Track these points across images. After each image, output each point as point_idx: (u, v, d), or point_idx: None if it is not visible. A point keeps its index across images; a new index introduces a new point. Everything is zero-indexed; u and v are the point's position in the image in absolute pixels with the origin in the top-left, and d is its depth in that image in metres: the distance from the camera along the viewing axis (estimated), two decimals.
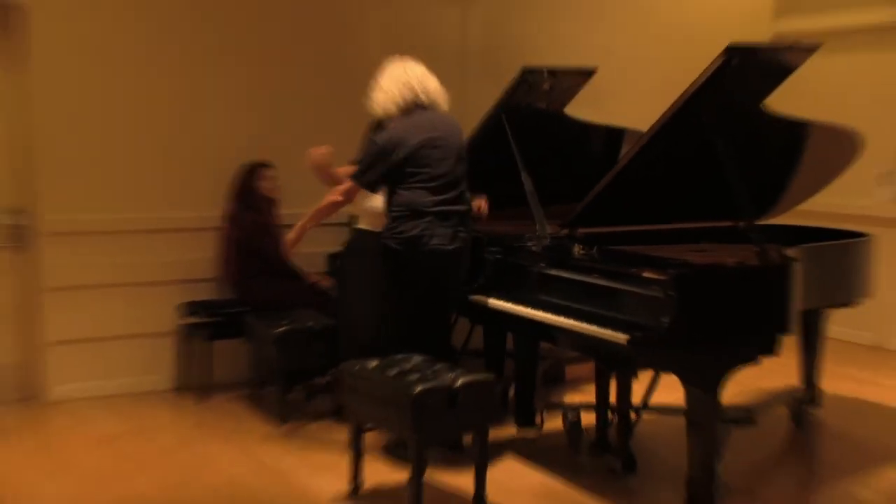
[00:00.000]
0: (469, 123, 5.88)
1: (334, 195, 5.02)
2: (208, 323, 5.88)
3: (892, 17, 6.96)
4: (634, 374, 4.79)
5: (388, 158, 4.78)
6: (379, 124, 4.97)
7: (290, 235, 5.20)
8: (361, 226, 5.28)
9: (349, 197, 5.00)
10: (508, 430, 5.35)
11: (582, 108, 6.12)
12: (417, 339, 4.87)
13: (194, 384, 5.98)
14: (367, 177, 4.85)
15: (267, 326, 5.49)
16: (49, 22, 5.72)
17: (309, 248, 6.12)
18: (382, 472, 4.69)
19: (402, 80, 4.86)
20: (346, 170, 5.09)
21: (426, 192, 4.82)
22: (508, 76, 5.76)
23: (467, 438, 4.60)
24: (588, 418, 5.13)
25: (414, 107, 4.86)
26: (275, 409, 5.57)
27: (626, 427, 4.81)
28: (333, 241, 5.80)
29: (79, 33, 5.81)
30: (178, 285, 6.11)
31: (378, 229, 4.94)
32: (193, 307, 5.98)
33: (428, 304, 4.97)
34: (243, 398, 5.93)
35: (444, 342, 5.08)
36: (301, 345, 5.43)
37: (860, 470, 4.88)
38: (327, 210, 5.07)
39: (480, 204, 5.40)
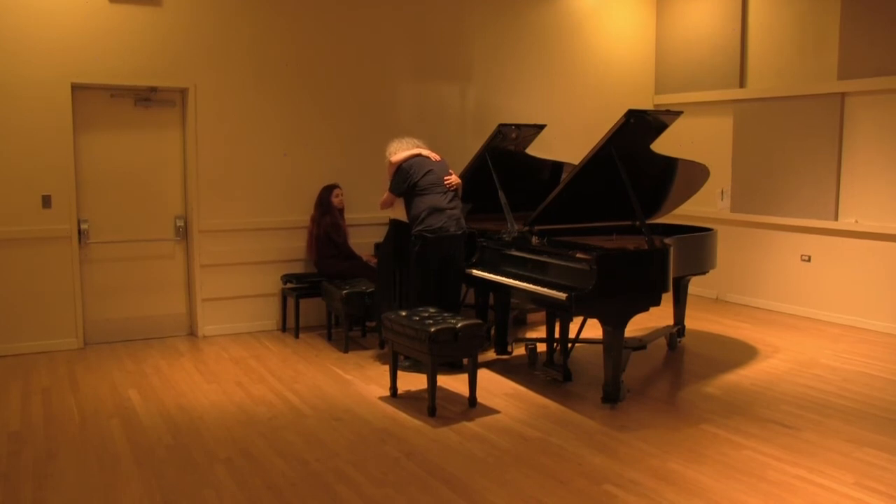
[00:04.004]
0: (465, 159, 5.86)
1: (385, 196, 5.17)
2: (299, 287, 5.84)
3: (722, 97, 7.08)
4: (570, 318, 4.78)
5: (408, 179, 4.97)
6: (399, 166, 5.05)
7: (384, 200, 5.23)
8: (395, 217, 5.31)
9: (391, 199, 5.16)
10: (490, 355, 5.33)
11: (537, 149, 6.10)
12: (436, 296, 4.88)
13: (291, 326, 5.96)
14: (396, 190, 5.05)
15: (337, 289, 5.47)
16: (203, 97, 5.69)
17: (363, 240, 6.14)
18: (410, 382, 4.69)
19: (406, 143, 5.18)
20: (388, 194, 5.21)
21: (441, 198, 4.94)
22: (490, 129, 5.75)
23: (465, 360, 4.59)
24: (541, 347, 5.16)
25: (416, 155, 5.07)
26: (341, 343, 5.55)
27: (565, 352, 4.80)
28: (378, 235, 5.77)
29: (221, 104, 5.76)
30: (280, 263, 6.05)
31: (404, 220, 5.10)
32: (290, 277, 5.94)
33: (443, 273, 4.95)
34: (321, 335, 5.91)
35: (454, 298, 5.05)
36: (358, 301, 5.39)
37: (709, 376, 4.87)
38: (386, 200, 5.19)
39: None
